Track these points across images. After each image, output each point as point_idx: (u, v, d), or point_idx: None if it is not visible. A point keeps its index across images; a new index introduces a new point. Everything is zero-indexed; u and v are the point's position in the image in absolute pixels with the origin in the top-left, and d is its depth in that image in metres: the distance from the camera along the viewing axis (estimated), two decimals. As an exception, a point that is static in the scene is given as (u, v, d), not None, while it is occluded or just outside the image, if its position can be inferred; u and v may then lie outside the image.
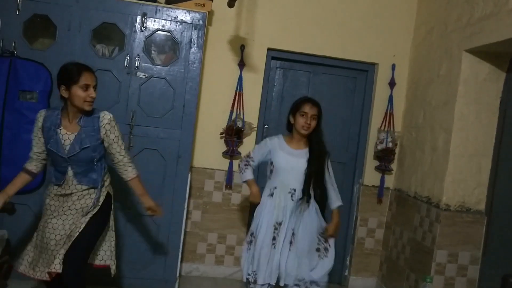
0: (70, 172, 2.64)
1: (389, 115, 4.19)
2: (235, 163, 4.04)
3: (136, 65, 3.51)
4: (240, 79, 4.06)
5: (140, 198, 2.88)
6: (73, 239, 2.56)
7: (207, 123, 4.06)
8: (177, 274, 3.67)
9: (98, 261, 2.80)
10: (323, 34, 4.14)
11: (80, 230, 2.59)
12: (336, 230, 3.20)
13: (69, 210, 2.66)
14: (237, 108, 4.05)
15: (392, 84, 4.20)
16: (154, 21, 3.54)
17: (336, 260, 4.27)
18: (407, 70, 4.22)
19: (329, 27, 4.15)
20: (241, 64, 4.06)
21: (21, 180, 2.72)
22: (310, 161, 3.03)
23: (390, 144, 4.12)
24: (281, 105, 4.27)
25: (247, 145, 4.06)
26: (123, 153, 2.77)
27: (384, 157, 4.15)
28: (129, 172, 2.81)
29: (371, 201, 4.27)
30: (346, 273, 4.34)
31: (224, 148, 4.05)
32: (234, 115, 4.04)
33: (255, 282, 3.02)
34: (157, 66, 3.59)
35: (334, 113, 4.28)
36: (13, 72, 3.33)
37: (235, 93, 4.05)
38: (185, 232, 4.05)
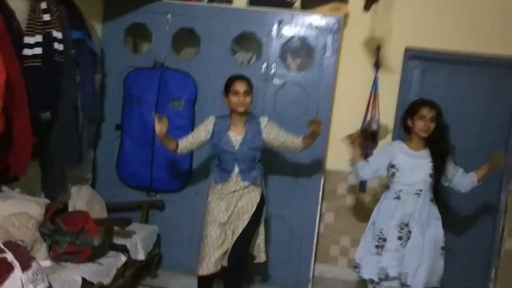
0: (236, 169, 2.95)
1: (544, 117, 3.77)
2: (370, 166, 3.97)
3: (272, 72, 3.63)
4: (376, 80, 3.96)
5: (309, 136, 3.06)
6: (237, 236, 2.95)
7: (341, 126, 4.02)
8: (311, 275, 3.74)
9: (255, 252, 3.17)
10: (464, 29, 3.86)
11: (243, 227, 2.96)
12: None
13: (234, 207, 2.98)
14: (372, 110, 3.96)
15: (549, 82, 3.77)
16: (290, 27, 3.61)
17: (479, 271, 4.06)
18: None
19: (471, 20, 3.85)
20: (377, 65, 3.95)
21: (171, 141, 3.01)
22: (434, 161, 2.99)
23: (545, 149, 3.71)
24: (420, 106, 4.07)
25: (382, 149, 3.95)
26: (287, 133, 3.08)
27: (538, 162, 3.75)
28: (298, 140, 3.07)
29: (522, 209, 3.90)
30: (491, 287, 4.02)
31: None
32: (369, 117, 3.96)
33: (386, 277, 2.99)
34: (291, 72, 3.67)
35: (478, 114, 3.98)
36: (163, 83, 3.65)
37: (370, 95, 3.97)
38: (318, 234, 4.10)
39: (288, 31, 3.61)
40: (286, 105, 3.66)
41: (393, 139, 4.00)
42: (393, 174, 3.08)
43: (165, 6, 3.69)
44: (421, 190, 2.99)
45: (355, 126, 3.97)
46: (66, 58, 2.92)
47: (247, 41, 3.82)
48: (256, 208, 3.02)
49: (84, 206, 3.32)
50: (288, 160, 3.68)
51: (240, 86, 2.91)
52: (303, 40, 3.67)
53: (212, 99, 3.65)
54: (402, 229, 2.99)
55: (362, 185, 4.03)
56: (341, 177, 4.08)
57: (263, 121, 3.03)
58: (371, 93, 3.96)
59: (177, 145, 3.01)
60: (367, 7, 3.14)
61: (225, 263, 2.98)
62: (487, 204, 4.03)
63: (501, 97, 3.98)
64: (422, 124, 2.97)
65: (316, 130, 2.97)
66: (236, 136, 2.97)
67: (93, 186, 3.79)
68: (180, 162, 3.68)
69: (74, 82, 3.11)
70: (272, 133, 3.02)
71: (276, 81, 3.64)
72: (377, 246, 3.06)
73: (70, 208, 3.12)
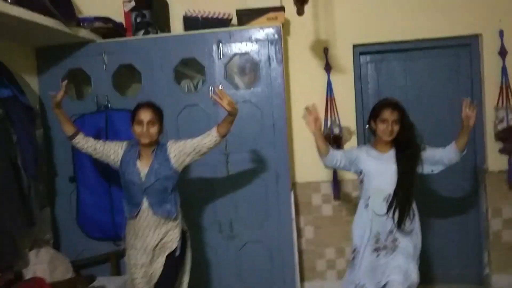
0: (145, 203, 2.73)
1: (505, 89, 3.68)
2: (340, 172, 3.84)
3: (220, 94, 3.48)
4: (329, 83, 3.85)
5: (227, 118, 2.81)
6: (155, 281, 2.73)
7: (303, 136, 3.89)
8: (298, 294, 3.56)
9: None
10: (410, 16, 3.77)
11: (162, 269, 2.74)
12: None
13: (152, 246, 2.76)
14: (331, 114, 3.84)
15: (503, 53, 3.68)
16: (230, 46, 3.48)
17: (472, 257, 3.92)
18: (519, 34, 3.68)
19: (416, 7, 3.77)
20: (328, 68, 3.85)
21: (67, 120, 2.92)
22: (398, 162, 2.82)
23: (512, 122, 3.61)
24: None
25: (349, 151, 3.82)
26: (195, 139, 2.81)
27: (508, 138, 3.65)
28: (211, 133, 2.81)
29: (501, 188, 3.78)
30: (487, 272, 3.87)
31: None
32: (329, 123, 3.84)
33: None
34: (240, 90, 3.54)
35: (439, 98, 3.90)
36: (110, 125, 3.49)
37: (326, 99, 3.85)
38: (301, 250, 3.93)
39: (229, 49, 3.48)
40: (242, 124, 3.48)
41: (358, 139, 3.90)
42: (361, 181, 2.93)
43: (100, 47, 3.55)
44: (390, 195, 2.82)
45: (317, 133, 3.86)
46: (-4, 119, 2.76)
47: (190, 67, 3.69)
48: (177, 246, 2.78)
49: (46, 269, 3.11)
50: (253, 182, 3.52)
51: (144, 115, 2.71)
52: (246, 56, 3.55)
53: (165, 132, 3.48)
54: (378, 240, 2.83)
55: (335, 192, 3.89)
56: (312, 188, 3.94)
57: (169, 145, 2.81)
58: (326, 97, 3.85)
59: (76, 133, 2.88)
60: (299, 12, 3.03)
61: None
62: (466, 189, 3.91)
63: (457, 76, 3.92)
64: (384, 127, 2.82)
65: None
66: (143, 166, 2.75)
67: (57, 246, 3.60)
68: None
69: (10, 141, 2.93)
70: (180, 152, 2.78)
71: (226, 103, 3.49)
72: (353, 259, 2.91)
73: (29, 275, 2.93)
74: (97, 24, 3.46)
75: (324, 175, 3.91)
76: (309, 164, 3.91)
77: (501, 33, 3.67)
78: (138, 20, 3.66)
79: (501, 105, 3.67)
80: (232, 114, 2.77)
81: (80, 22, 3.38)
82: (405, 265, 2.78)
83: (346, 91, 3.88)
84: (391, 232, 2.81)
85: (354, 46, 3.88)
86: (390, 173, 2.82)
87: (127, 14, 3.72)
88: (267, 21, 3.48)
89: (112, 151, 2.84)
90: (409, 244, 2.82)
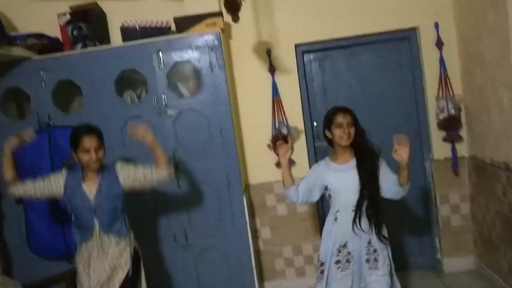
0: (96, 224, 2.71)
1: (444, 79, 3.77)
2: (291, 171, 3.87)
3: (164, 103, 3.46)
4: (274, 84, 3.87)
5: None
6: None
7: (253, 139, 3.93)
8: (258, 296, 3.60)
9: None
10: (350, 13, 3.81)
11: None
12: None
13: (101, 267, 2.72)
14: (278, 115, 3.87)
15: (439, 44, 3.77)
16: (170, 54, 3.45)
17: (425, 244, 4.04)
18: (453, 26, 3.77)
19: (355, 3, 3.81)
20: (272, 69, 3.86)
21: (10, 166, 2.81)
22: (359, 172, 2.74)
23: (452, 111, 3.71)
24: (326, 98, 4.03)
25: (298, 150, 3.86)
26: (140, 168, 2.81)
27: (450, 126, 3.76)
28: (157, 170, 2.80)
29: (447, 175, 3.89)
30: (439, 256, 4.01)
31: (276, 159, 3.89)
32: (277, 123, 3.86)
33: None
34: (185, 99, 3.52)
35: (384, 92, 3.98)
36: (53, 144, 3.41)
37: (273, 100, 3.87)
38: (259, 251, 3.97)
39: (169, 58, 3.45)
40: (188, 133, 3.49)
41: (306, 138, 3.94)
42: (329, 196, 2.85)
43: (36, 64, 3.46)
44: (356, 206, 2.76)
45: (266, 135, 3.88)
46: None
47: (132, 78, 3.64)
48: (132, 263, 2.78)
49: (-3, 297, 3.05)
50: (205, 189, 3.52)
51: (90, 143, 2.65)
52: (187, 63, 3.52)
53: (111, 147, 3.43)
54: (339, 252, 2.77)
55: (289, 192, 3.92)
56: (266, 189, 3.97)
57: (118, 166, 2.80)
58: (273, 98, 3.87)
59: (15, 177, 2.79)
60: (234, 19, 3.01)
61: None
62: (415, 178, 3.99)
63: (399, 69, 3.99)
64: (340, 132, 2.74)
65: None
66: (90, 188, 2.73)
67: (8, 271, 3.51)
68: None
69: None
70: (130, 175, 2.77)
71: (170, 112, 3.47)
72: (321, 272, 2.84)
73: (-22, 306, 2.86)
74: (31, 40, 3.37)
75: (276, 174, 3.93)
76: (260, 165, 3.94)
77: (436, 25, 3.76)
78: (75, 33, 3.59)
79: (442, 95, 3.76)
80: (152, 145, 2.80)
81: (12, 40, 3.28)
82: (387, 278, 2.74)
83: (291, 90, 3.91)
84: (368, 243, 2.75)
85: (297, 46, 3.91)
86: (354, 184, 2.74)
87: (63, 28, 3.64)
88: (206, 27, 3.46)
89: (53, 184, 2.77)
90: (386, 255, 2.77)
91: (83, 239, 2.76)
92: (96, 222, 2.72)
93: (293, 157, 3.84)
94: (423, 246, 4.08)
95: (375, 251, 2.75)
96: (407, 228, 4.06)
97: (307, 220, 3.97)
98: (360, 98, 3.96)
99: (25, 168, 3.40)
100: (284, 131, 3.84)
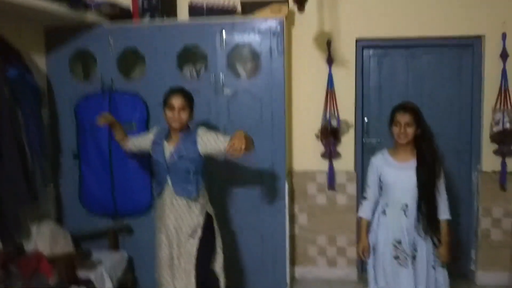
0: (169, 182, 2.86)
1: (504, 92, 3.71)
2: (336, 163, 3.94)
3: (221, 82, 3.57)
4: (330, 76, 3.90)
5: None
6: (183, 261, 2.85)
7: (302, 127, 4.00)
8: (287, 280, 3.70)
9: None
10: (415, 13, 3.80)
11: (194, 258, 2.83)
12: (449, 252, 2.84)
13: (177, 227, 2.88)
14: (330, 106, 3.91)
15: (504, 56, 3.69)
16: (233, 35, 3.54)
17: (461, 253, 4.02)
18: (522, 38, 3.69)
19: (421, 4, 3.79)
20: (330, 60, 3.90)
21: (121, 131, 3.21)
22: (418, 173, 2.76)
23: (508, 125, 3.64)
24: (380, 95, 4.04)
25: (346, 143, 3.92)
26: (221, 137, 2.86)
27: (503, 140, 3.69)
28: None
29: (493, 188, 3.84)
30: (473, 268, 3.98)
31: (322, 150, 3.95)
32: (328, 115, 3.91)
33: None
34: (241, 80, 3.62)
35: (440, 97, 3.95)
36: (113, 107, 3.59)
37: (326, 92, 3.91)
38: (294, 236, 4.07)
39: (231, 39, 3.54)
40: (240, 114, 3.59)
41: (356, 133, 3.97)
42: (380, 188, 2.90)
43: (106, 30, 3.64)
44: (407, 206, 2.78)
45: (316, 124, 3.94)
46: (2, 99, 2.88)
47: (194, 53, 3.76)
48: (204, 235, 2.87)
49: (47, 242, 3.28)
50: (249, 168, 3.62)
51: (176, 101, 2.80)
52: (248, 46, 3.61)
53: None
54: (396, 247, 2.80)
55: (330, 183, 3.98)
56: (308, 177, 4.04)
57: (199, 131, 2.88)
58: (327, 89, 3.91)
59: (126, 139, 3.16)
60: (300, 8, 3.06)
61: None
62: (461, 187, 3.98)
63: (458, 76, 3.94)
64: (397, 130, 2.77)
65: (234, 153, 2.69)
66: (170, 147, 2.88)
67: (60, 220, 3.76)
68: (141, 184, 3.63)
69: (16, 121, 3.06)
70: (209, 141, 2.82)
71: (227, 91, 3.58)
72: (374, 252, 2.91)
73: (31, 247, 3.10)
74: (104, 8, 3.54)
75: (320, 164, 4.00)
76: (306, 154, 4.02)
77: (504, 36, 3.68)
78: (145, 4, 3.72)
79: (499, 108, 3.70)
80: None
81: (87, 6, 3.46)
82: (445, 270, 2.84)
83: (346, 84, 3.94)
84: (413, 240, 2.79)
85: (358, 40, 3.92)
86: (409, 184, 2.77)
87: (134, -2, 3.79)
88: (271, 13, 3.52)
89: (148, 140, 3.03)
90: (421, 258, 2.81)
91: (158, 194, 2.97)
92: (169, 180, 2.87)
93: (339, 150, 3.93)
94: (458, 254, 4.05)
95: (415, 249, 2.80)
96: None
97: (345, 213, 4.02)
98: (414, 100, 3.81)
99: (85, 125, 3.64)
100: (334, 123, 3.88)
